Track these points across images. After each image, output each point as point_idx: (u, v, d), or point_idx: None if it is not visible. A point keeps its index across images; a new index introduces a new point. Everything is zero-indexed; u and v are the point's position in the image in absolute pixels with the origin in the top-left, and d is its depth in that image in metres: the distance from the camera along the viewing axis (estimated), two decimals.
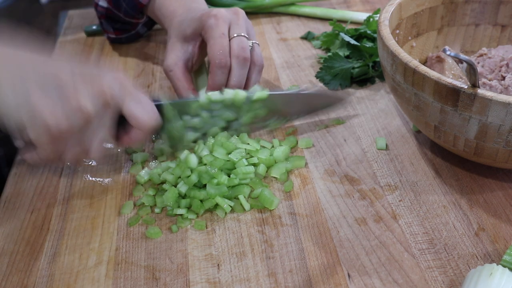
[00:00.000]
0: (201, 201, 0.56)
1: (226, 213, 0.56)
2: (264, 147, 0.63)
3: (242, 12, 0.67)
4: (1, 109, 0.46)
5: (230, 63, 0.63)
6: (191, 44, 0.68)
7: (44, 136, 0.46)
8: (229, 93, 0.61)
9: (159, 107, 0.56)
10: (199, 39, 0.67)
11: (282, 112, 0.66)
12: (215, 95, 0.60)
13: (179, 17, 0.69)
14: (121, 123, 0.53)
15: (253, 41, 0.66)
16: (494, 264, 0.45)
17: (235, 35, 0.64)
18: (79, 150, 0.50)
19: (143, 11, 0.80)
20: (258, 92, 0.62)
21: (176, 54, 0.67)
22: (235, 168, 0.58)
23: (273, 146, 0.63)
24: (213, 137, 0.62)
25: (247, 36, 0.65)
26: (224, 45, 0.63)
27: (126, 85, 0.51)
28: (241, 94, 0.61)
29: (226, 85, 0.64)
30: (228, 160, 0.59)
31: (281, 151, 0.61)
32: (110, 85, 0.49)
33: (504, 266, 0.45)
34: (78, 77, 0.48)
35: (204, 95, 0.60)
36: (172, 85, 0.67)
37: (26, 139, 0.48)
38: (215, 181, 0.56)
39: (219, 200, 0.55)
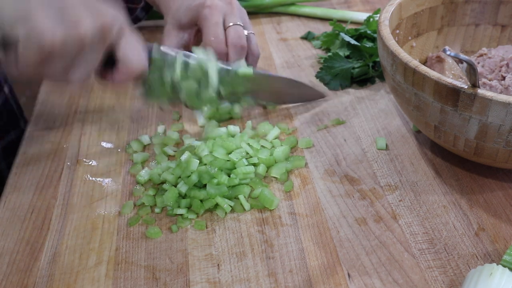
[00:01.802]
0: (201, 201, 0.56)
1: (226, 213, 0.56)
2: (264, 147, 0.63)
3: (236, 2, 0.68)
4: None
5: (224, 51, 0.64)
6: (187, 32, 0.68)
7: (33, 45, 0.44)
8: (202, 56, 0.60)
9: (149, 54, 0.56)
10: (195, 28, 0.68)
11: (259, 93, 0.66)
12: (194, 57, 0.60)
13: (175, 3, 0.69)
14: (109, 60, 0.52)
15: (249, 31, 0.67)
16: (494, 264, 0.45)
17: (231, 24, 0.65)
18: (59, 70, 0.48)
19: None
20: (244, 68, 0.62)
21: (171, 41, 0.67)
22: (235, 168, 0.58)
23: (273, 146, 0.63)
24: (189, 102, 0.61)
25: (242, 25, 0.66)
26: (218, 33, 0.64)
27: (124, 21, 0.51)
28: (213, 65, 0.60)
29: None
30: (228, 160, 0.59)
31: (281, 151, 0.61)
32: (109, 15, 0.49)
33: (504, 266, 0.45)
34: (83, 2, 0.47)
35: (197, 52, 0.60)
36: None
37: (6, 44, 0.46)
38: (215, 181, 0.56)
39: (219, 200, 0.55)
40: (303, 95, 0.71)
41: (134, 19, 0.88)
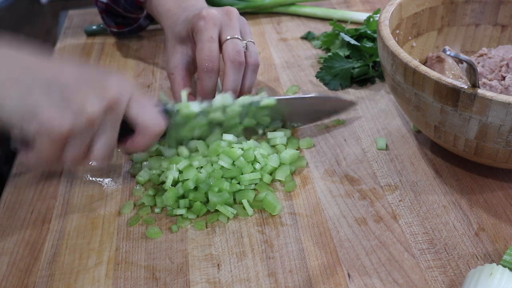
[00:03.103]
0: (202, 202, 0.56)
1: (228, 218, 0.55)
2: (269, 148, 0.62)
3: (234, 11, 0.65)
4: (1, 110, 0.45)
5: (217, 68, 0.62)
6: (189, 46, 0.66)
7: (45, 138, 0.45)
8: (218, 101, 0.59)
9: (164, 112, 0.55)
10: (194, 41, 0.66)
11: (285, 118, 0.64)
12: (206, 105, 0.59)
13: (173, 16, 0.68)
14: (126, 127, 0.51)
15: (248, 40, 0.64)
16: (494, 264, 0.45)
17: (228, 37, 0.62)
18: (80, 152, 0.49)
19: (142, 7, 0.80)
20: (265, 99, 0.60)
21: (177, 57, 0.66)
22: (242, 174, 0.58)
23: (277, 151, 0.63)
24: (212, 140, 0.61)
25: (240, 38, 0.63)
26: (211, 49, 0.61)
27: (132, 88, 0.51)
28: (228, 99, 0.59)
29: (222, 89, 0.63)
30: (229, 169, 0.58)
31: (289, 154, 0.60)
32: (115, 88, 0.48)
33: (504, 266, 0.45)
34: (82, 79, 0.47)
35: (197, 104, 0.58)
36: (171, 88, 0.67)
37: (24, 141, 0.47)
38: (216, 188, 0.56)
39: (221, 208, 0.55)
40: (334, 108, 0.67)
41: (137, 27, 0.88)
